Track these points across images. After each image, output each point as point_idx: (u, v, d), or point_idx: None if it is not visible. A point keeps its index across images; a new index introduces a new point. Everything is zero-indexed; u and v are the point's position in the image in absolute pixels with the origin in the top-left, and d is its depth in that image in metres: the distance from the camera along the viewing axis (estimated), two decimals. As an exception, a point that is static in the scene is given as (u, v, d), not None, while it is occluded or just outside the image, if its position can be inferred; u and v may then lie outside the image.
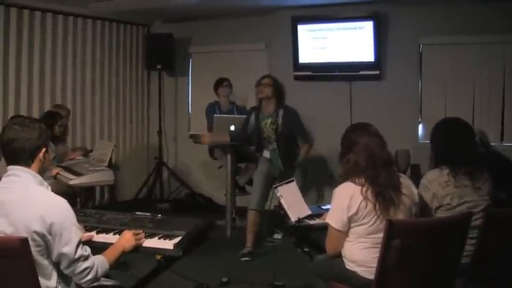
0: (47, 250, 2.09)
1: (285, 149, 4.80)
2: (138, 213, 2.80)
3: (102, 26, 6.84)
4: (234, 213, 5.65)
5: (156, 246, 2.44)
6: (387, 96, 5.98)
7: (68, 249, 2.09)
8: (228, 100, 6.20)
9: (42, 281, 2.06)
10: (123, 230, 2.49)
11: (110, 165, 5.12)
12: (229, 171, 5.43)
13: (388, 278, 2.34)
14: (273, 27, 6.62)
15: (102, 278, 2.32)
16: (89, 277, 2.17)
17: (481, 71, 5.65)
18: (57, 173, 4.78)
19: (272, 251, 4.84)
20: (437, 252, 2.39)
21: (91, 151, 5.60)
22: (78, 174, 4.71)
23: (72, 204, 2.22)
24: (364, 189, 2.55)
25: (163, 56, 6.98)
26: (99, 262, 2.23)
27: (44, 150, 2.21)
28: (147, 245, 2.44)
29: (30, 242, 1.98)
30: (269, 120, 4.83)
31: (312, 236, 3.29)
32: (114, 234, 2.52)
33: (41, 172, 2.22)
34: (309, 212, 3.27)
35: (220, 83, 6.18)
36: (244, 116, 5.25)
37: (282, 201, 3.18)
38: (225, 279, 4.13)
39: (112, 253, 2.33)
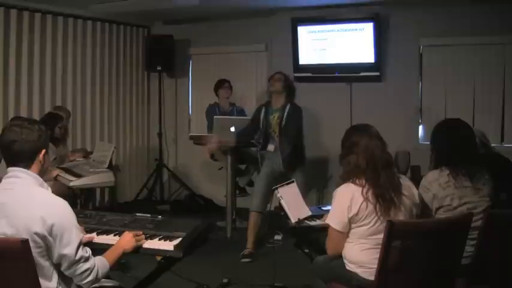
0: (48, 251, 2.09)
1: (285, 145, 4.81)
2: (138, 214, 2.80)
3: (102, 28, 6.84)
4: (234, 215, 5.66)
5: (156, 248, 2.45)
6: (387, 98, 5.98)
7: (69, 250, 2.09)
8: (228, 101, 6.21)
9: (43, 282, 2.06)
10: (123, 232, 2.48)
11: (110, 167, 5.13)
12: (230, 172, 5.43)
13: (388, 279, 2.34)
14: (273, 28, 6.63)
15: (103, 279, 2.32)
16: (89, 278, 2.17)
17: (481, 72, 5.65)
18: (58, 175, 4.79)
19: (272, 252, 4.83)
20: (438, 253, 2.39)
21: (91, 153, 5.60)
22: (78, 175, 4.72)
23: (73, 205, 2.22)
24: (365, 190, 2.56)
25: (164, 57, 6.98)
26: (100, 263, 2.23)
27: (43, 151, 2.21)
28: (148, 246, 2.44)
29: (31, 244, 1.98)
30: (276, 114, 4.90)
31: (312, 237, 3.29)
32: (114, 236, 2.52)
33: (41, 173, 2.22)
34: (309, 213, 3.27)
35: (220, 84, 6.18)
36: (244, 117, 5.26)
37: (282, 202, 3.17)
38: (225, 280, 4.13)
39: (112, 254, 2.33)
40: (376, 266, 2.34)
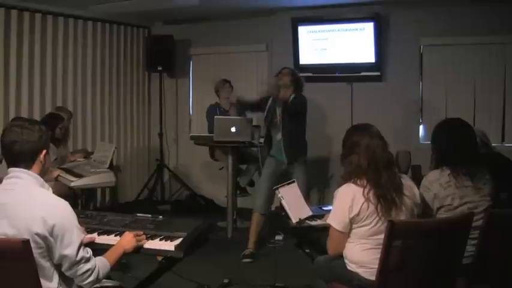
0: (49, 252, 2.09)
1: (289, 131, 4.80)
2: (139, 214, 2.80)
3: (103, 28, 6.85)
4: (235, 215, 5.65)
5: (157, 248, 2.45)
6: (388, 98, 5.98)
7: (70, 251, 2.10)
8: (229, 101, 6.20)
9: (44, 283, 2.06)
10: (124, 232, 2.48)
11: (111, 167, 5.13)
12: (231, 172, 5.43)
13: (389, 279, 2.34)
14: (274, 28, 6.63)
15: (104, 280, 2.32)
16: (90, 279, 2.17)
17: (481, 72, 5.65)
18: (58, 175, 4.79)
19: (273, 252, 4.83)
20: (439, 253, 2.39)
21: (92, 153, 5.61)
22: (79, 176, 4.72)
23: (73, 206, 2.22)
24: (366, 190, 2.56)
25: (164, 57, 6.98)
26: (101, 264, 2.23)
27: (44, 152, 2.22)
28: (149, 247, 2.45)
29: (32, 244, 1.98)
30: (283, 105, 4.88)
31: (313, 237, 3.29)
32: (115, 236, 2.52)
33: (42, 174, 2.23)
34: (310, 213, 3.27)
35: (221, 84, 6.18)
36: (244, 117, 5.28)
37: (283, 202, 3.17)
38: (226, 281, 4.13)
39: (113, 254, 2.33)
40: (377, 266, 2.34)
